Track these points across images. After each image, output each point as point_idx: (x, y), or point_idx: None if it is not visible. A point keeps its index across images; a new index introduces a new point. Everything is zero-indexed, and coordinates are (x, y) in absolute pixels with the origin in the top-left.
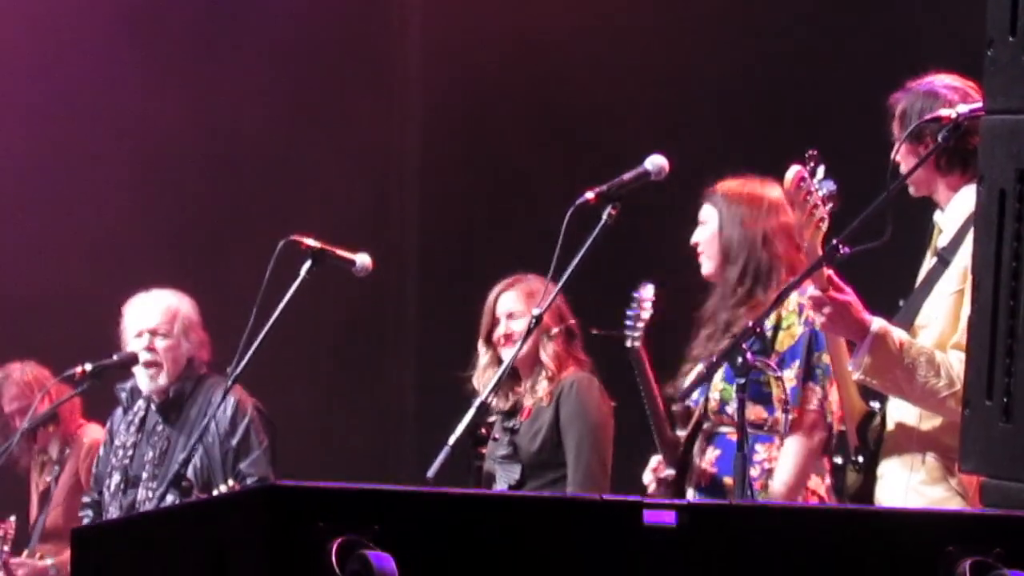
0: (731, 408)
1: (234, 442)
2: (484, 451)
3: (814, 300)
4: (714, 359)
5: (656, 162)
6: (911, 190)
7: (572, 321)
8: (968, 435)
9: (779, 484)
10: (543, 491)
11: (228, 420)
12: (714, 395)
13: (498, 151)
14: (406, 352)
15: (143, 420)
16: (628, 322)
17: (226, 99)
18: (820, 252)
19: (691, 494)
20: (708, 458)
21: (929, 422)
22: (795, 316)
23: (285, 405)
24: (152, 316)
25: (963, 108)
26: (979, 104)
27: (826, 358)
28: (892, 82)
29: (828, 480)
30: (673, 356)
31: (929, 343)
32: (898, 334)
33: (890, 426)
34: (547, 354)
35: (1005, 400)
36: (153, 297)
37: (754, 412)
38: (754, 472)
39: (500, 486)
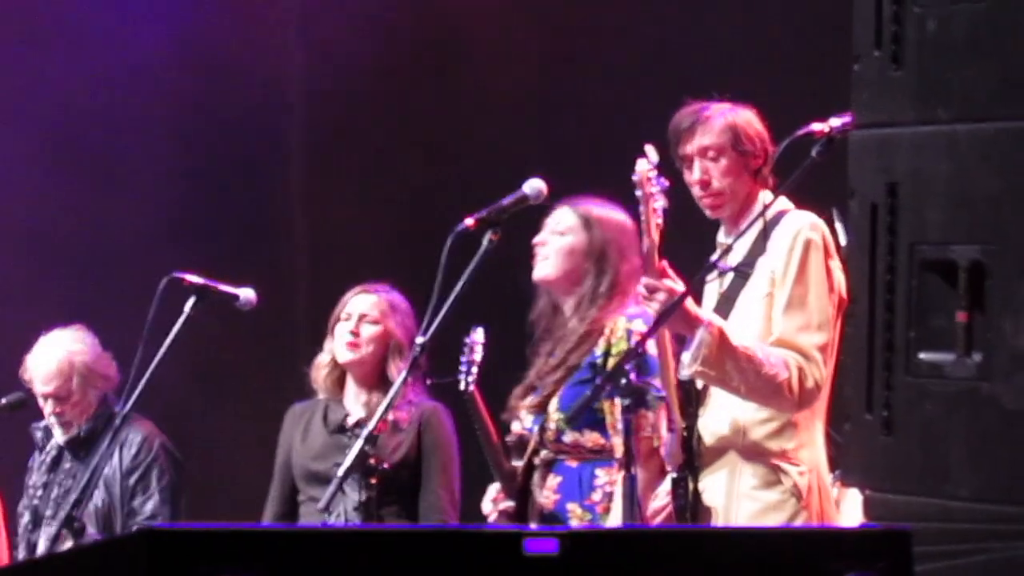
0: (568, 437)
1: (132, 481)
2: (375, 481)
3: (647, 286)
4: (599, 382)
5: (535, 186)
6: (724, 211)
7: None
8: (850, 449)
9: (618, 520)
10: (391, 507)
11: (131, 458)
12: (550, 425)
13: (389, 164)
14: (298, 380)
15: (56, 459)
16: (462, 367)
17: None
18: (655, 249)
19: (533, 524)
20: (549, 485)
21: (756, 430)
22: (624, 342)
23: (182, 438)
24: (48, 380)
25: (836, 122)
26: (849, 118)
27: (656, 382)
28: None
29: None
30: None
31: None
32: (731, 328)
33: (707, 440)
34: (395, 371)
35: (885, 414)
36: (45, 354)
37: (591, 439)
38: (596, 496)
39: (355, 497)
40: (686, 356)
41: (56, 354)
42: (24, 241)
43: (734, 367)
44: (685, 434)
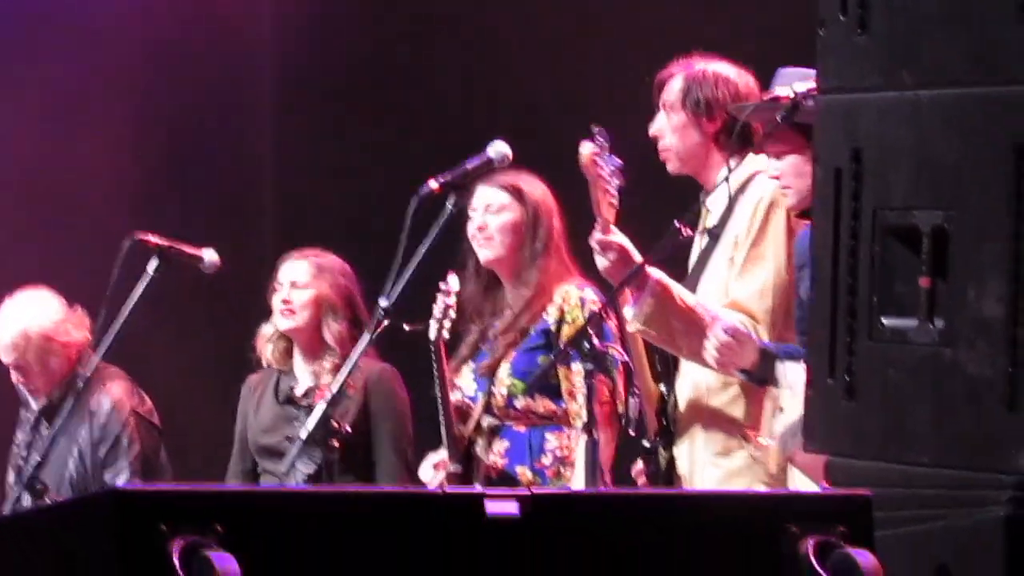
0: (519, 403)
1: (102, 451)
2: (337, 444)
3: (600, 243)
4: (562, 347)
5: (499, 149)
6: (672, 166)
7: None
8: (811, 414)
9: (581, 483)
10: (346, 476)
11: (99, 427)
12: (500, 390)
13: (356, 127)
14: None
15: (37, 422)
16: (435, 315)
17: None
18: (610, 228)
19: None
20: (496, 451)
21: (716, 396)
22: (578, 310)
23: (166, 403)
24: (6, 352)
25: (800, 87)
26: (813, 83)
27: (613, 350)
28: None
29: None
30: None
31: None
32: (678, 288)
33: (681, 406)
34: (331, 336)
35: (847, 379)
36: (3, 325)
37: (543, 404)
38: (546, 460)
39: (304, 469)
40: (629, 312)
41: (12, 326)
42: None
43: (679, 327)
44: (661, 401)
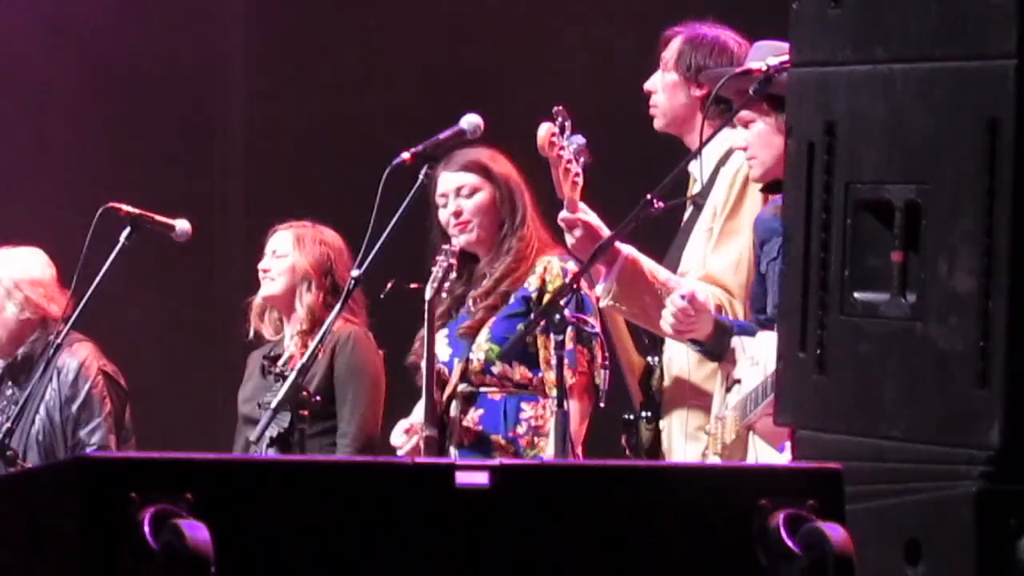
0: (496, 369)
1: (74, 408)
2: (306, 413)
3: (565, 221)
4: (533, 317)
5: (471, 121)
6: (658, 122)
7: (342, 277)
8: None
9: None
10: (312, 441)
11: (69, 384)
12: (477, 355)
13: (327, 97)
14: (236, 314)
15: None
16: (434, 274)
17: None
18: (577, 207)
19: (454, 453)
20: (470, 418)
21: (700, 370)
22: (560, 280)
23: (137, 369)
24: None
25: (773, 60)
26: (787, 57)
27: (591, 319)
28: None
29: None
30: None
31: None
32: (649, 263)
33: (667, 379)
34: (302, 304)
35: (818, 352)
36: None
37: (519, 372)
38: (521, 430)
39: (270, 433)
40: (600, 288)
41: None
42: None
43: (651, 302)
44: (645, 373)
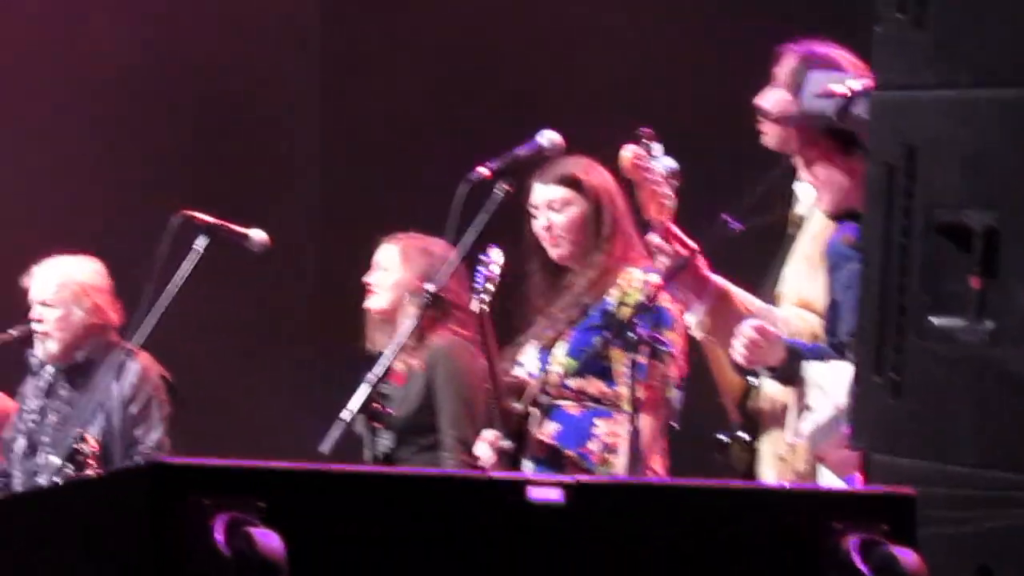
0: (572, 382)
1: (134, 410)
2: (379, 426)
3: (656, 247)
4: (607, 335)
5: (550, 137)
6: (767, 140)
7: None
8: (857, 411)
9: (621, 468)
10: (417, 458)
11: (131, 387)
12: (555, 368)
13: (402, 112)
14: (308, 323)
15: (51, 385)
16: (476, 287)
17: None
18: (669, 230)
19: (529, 466)
20: (546, 431)
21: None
22: (638, 294)
23: (189, 377)
24: (41, 287)
25: (855, 84)
26: (868, 81)
27: (668, 334)
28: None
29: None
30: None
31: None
32: (742, 294)
33: (764, 401)
34: (406, 318)
35: (894, 377)
36: (47, 266)
37: (595, 386)
38: (593, 446)
39: (373, 453)
40: (690, 317)
41: (57, 266)
42: (35, 177)
43: None
44: (744, 394)
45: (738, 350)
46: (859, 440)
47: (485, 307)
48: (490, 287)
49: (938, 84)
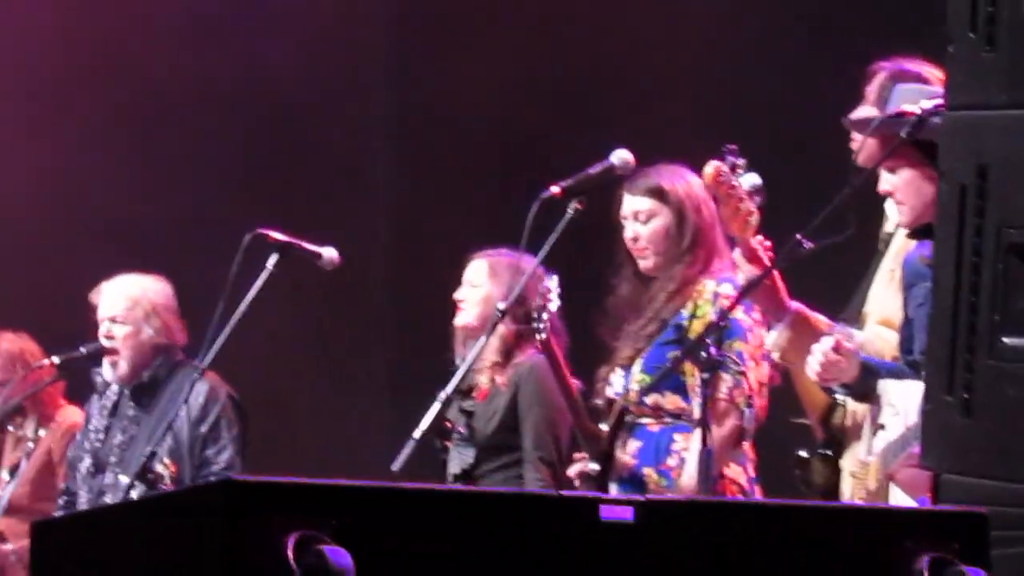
0: (649, 398)
1: (203, 429)
2: (449, 444)
3: (737, 264)
4: (679, 354)
5: (621, 156)
6: (858, 157)
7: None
8: (928, 431)
9: (686, 476)
10: (496, 475)
11: (199, 407)
12: (633, 386)
13: (474, 129)
14: (379, 340)
15: (116, 404)
16: (534, 316)
17: (199, 87)
18: (751, 246)
19: (614, 488)
20: (629, 450)
21: None
22: (709, 305)
23: (260, 395)
24: (112, 303)
25: (927, 104)
26: (941, 100)
27: (739, 345)
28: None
29: (751, 472)
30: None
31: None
32: (819, 318)
33: (849, 418)
34: (495, 334)
35: (965, 396)
36: (116, 283)
37: (672, 402)
38: (672, 461)
39: (453, 469)
40: (768, 341)
41: (126, 283)
42: (108, 194)
43: None
44: (828, 411)
45: (812, 367)
46: (929, 459)
47: (544, 335)
48: (546, 316)
49: (1010, 103)
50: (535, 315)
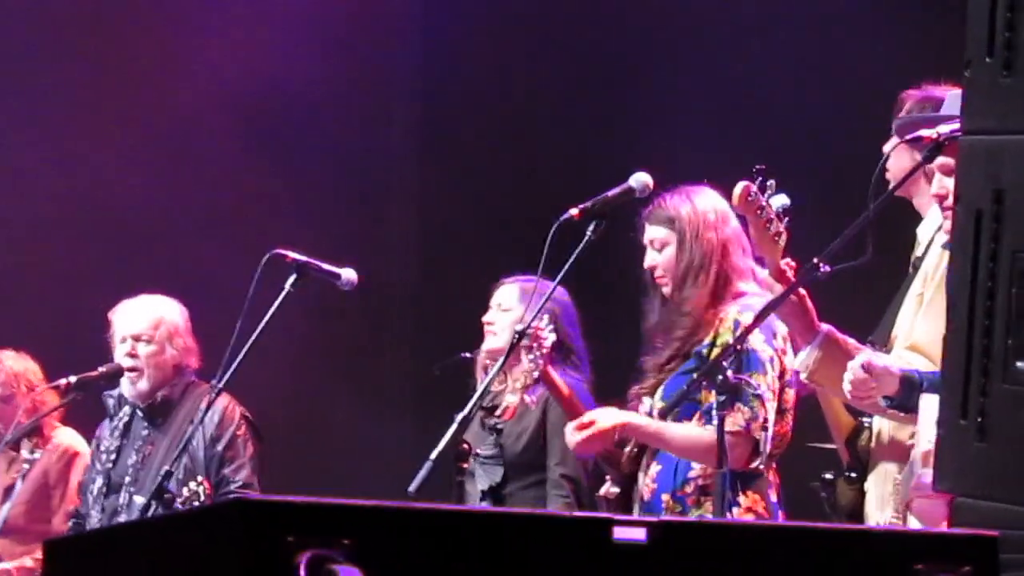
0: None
1: (220, 448)
2: (466, 466)
3: (766, 285)
4: (696, 376)
5: (640, 179)
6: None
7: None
8: (942, 454)
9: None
10: (526, 492)
11: (215, 426)
12: (653, 412)
13: (498, 151)
14: (400, 362)
15: (127, 425)
16: (529, 357)
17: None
18: (780, 267)
19: (636, 511)
20: (650, 474)
21: (903, 432)
22: (729, 333)
23: (281, 415)
24: (136, 322)
25: (944, 128)
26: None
27: (757, 379)
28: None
29: (773, 497)
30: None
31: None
32: (849, 340)
33: (874, 441)
34: (525, 357)
35: (980, 420)
36: (139, 303)
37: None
38: (688, 488)
39: (481, 486)
40: (797, 362)
41: (149, 302)
42: (125, 216)
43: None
44: (853, 433)
45: (845, 387)
46: (944, 483)
47: (537, 373)
48: (540, 352)
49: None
50: (530, 355)
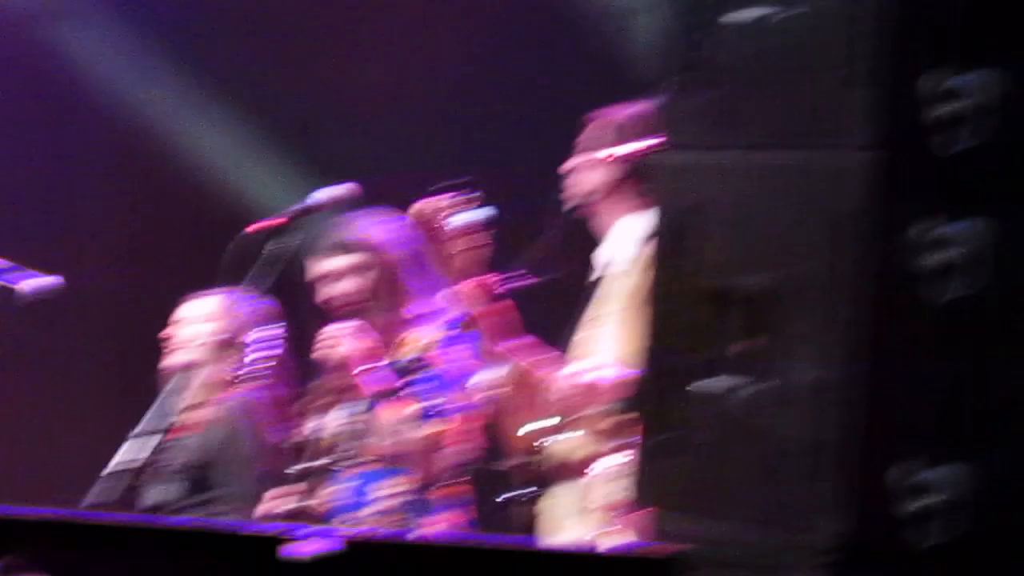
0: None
1: None
2: (142, 480)
3: (448, 303)
4: (376, 394)
5: (327, 193)
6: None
7: None
8: (640, 469)
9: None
10: (195, 510)
11: None
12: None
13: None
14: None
15: None
16: (256, 367)
17: None
18: (470, 285)
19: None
20: (323, 495)
21: (580, 450)
22: (414, 353)
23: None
24: None
25: (618, 151)
26: (637, 145)
27: (442, 397)
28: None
29: (465, 516)
30: None
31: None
32: (544, 355)
33: (555, 459)
34: (204, 372)
35: (670, 436)
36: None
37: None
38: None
39: (149, 501)
40: (489, 377)
41: None
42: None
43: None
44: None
45: (554, 401)
46: (641, 498)
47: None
48: (263, 368)
49: (712, 146)
50: (236, 370)
